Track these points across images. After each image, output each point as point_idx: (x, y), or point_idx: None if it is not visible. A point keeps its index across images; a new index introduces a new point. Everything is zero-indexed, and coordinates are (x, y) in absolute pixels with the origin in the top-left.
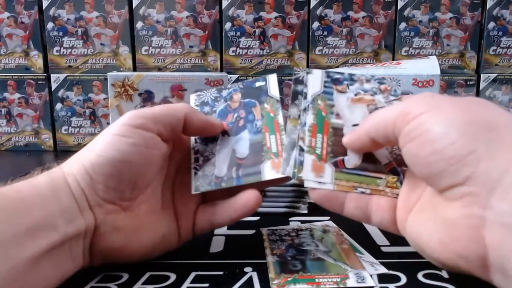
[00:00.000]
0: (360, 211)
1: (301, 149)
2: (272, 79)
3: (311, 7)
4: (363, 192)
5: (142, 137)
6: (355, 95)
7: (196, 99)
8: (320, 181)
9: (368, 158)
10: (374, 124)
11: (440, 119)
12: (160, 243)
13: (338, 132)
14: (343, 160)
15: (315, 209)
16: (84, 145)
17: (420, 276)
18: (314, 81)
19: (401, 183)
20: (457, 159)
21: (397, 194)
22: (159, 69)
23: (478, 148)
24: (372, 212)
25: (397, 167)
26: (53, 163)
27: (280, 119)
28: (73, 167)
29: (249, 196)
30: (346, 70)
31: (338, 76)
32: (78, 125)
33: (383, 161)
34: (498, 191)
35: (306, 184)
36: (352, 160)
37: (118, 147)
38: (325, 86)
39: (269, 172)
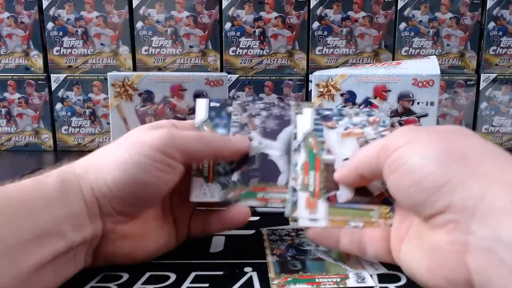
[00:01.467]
0: (354, 245)
1: (294, 190)
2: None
3: (311, 7)
4: (356, 227)
5: (170, 166)
6: (345, 129)
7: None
8: (313, 217)
9: (360, 191)
10: (360, 160)
11: (418, 152)
12: (162, 247)
13: (329, 167)
14: (335, 195)
15: None
16: (84, 145)
17: None
18: (304, 119)
19: (393, 213)
20: (434, 189)
21: (391, 225)
22: (159, 69)
23: (452, 177)
24: (366, 244)
25: (389, 198)
26: (64, 161)
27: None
28: (90, 174)
29: (240, 211)
30: (346, 70)
31: (327, 112)
32: (78, 125)
33: (375, 193)
34: (476, 218)
35: (299, 224)
36: (344, 194)
37: (146, 170)
38: (315, 124)
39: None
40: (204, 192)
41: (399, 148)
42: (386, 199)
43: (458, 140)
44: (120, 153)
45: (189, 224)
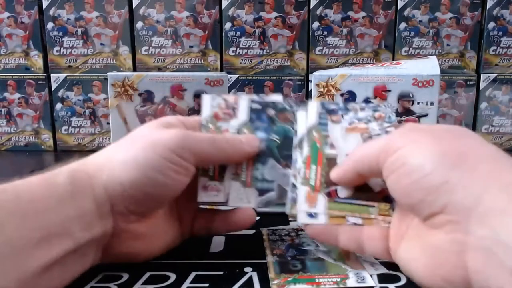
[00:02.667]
0: (353, 243)
1: (294, 186)
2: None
3: (311, 7)
4: (355, 224)
5: (184, 168)
6: (350, 124)
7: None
8: (312, 212)
9: (361, 187)
10: (359, 158)
11: (417, 152)
12: (168, 246)
13: (332, 162)
14: (336, 190)
15: None
16: (84, 145)
17: None
18: (310, 113)
19: (393, 210)
20: (432, 189)
21: (389, 223)
22: (159, 69)
23: (451, 178)
24: (365, 242)
25: (389, 195)
26: (75, 158)
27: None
28: (103, 173)
29: (246, 213)
30: (346, 71)
31: (333, 106)
32: (78, 125)
33: (375, 189)
34: (474, 218)
35: (299, 220)
36: (344, 190)
37: (162, 171)
38: (320, 118)
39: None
40: (212, 194)
41: (400, 148)
42: (386, 196)
43: (458, 141)
44: (135, 153)
45: (192, 224)
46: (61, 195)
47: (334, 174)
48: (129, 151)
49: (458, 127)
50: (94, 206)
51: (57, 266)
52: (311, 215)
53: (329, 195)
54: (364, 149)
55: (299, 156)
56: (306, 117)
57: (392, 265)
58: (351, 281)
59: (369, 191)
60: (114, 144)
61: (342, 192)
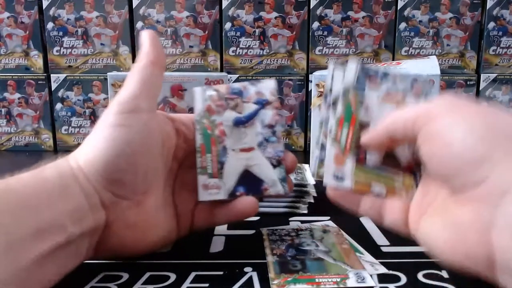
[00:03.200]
0: (374, 211)
1: (322, 147)
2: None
3: (311, 7)
4: (378, 195)
5: (142, 122)
6: (386, 93)
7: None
8: (339, 174)
9: (389, 158)
10: (394, 120)
11: (460, 123)
12: (163, 240)
13: (364, 127)
14: (365, 157)
15: (315, 209)
16: None
17: (420, 276)
18: (348, 73)
19: (416, 186)
20: (472, 163)
21: (411, 197)
22: None
23: (494, 154)
24: (386, 213)
25: (415, 170)
26: (60, 155)
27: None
28: (81, 164)
29: (248, 201)
30: None
31: (372, 71)
32: (78, 125)
33: (402, 163)
34: (509, 196)
35: (325, 181)
36: (373, 157)
37: (125, 139)
38: (358, 80)
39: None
40: (214, 192)
41: (441, 116)
42: (412, 170)
43: (502, 119)
44: (96, 136)
45: (192, 217)
46: (51, 190)
47: (366, 136)
48: (92, 135)
49: (498, 109)
50: (83, 199)
51: (50, 259)
52: (337, 178)
53: (357, 160)
54: (400, 113)
55: (332, 115)
56: (343, 76)
57: (392, 265)
58: (351, 281)
59: (396, 164)
60: (88, 136)
61: (371, 160)
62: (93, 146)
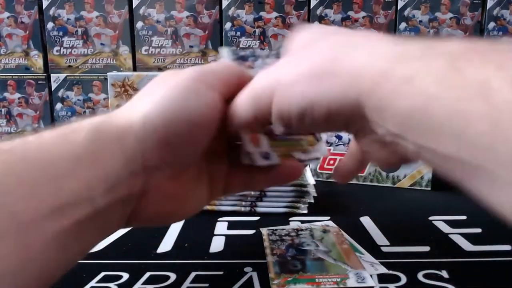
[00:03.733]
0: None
1: None
2: None
3: (311, 7)
4: (301, 161)
5: (213, 99)
6: (261, 70)
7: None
8: (263, 154)
9: None
10: (249, 96)
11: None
12: (198, 208)
13: None
14: (270, 129)
15: (315, 209)
16: None
17: (420, 276)
18: (224, 59)
19: (317, 140)
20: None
21: (319, 150)
22: (159, 69)
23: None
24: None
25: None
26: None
27: None
28: (134, 123)
29: (295, 166)
30: None
31: (243, 53)
32: None
33: None
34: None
35: (258, 163)
36: (277, 129)
37: (196, 107)
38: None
39: None
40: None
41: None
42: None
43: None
44: (162, 93)
45: (226, 181)
46: (79, 155)
47: (234, 122)
48: (154, 94)
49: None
50: (121, 164)
51: (70, 239)
52: (265, 158)
53: (267, 133)
54: (252, 85)
55: None
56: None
57: (392, 265)
58: (351, 281)
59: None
60: (135, 97)
61: (277, 131)
62: (157, 102)
